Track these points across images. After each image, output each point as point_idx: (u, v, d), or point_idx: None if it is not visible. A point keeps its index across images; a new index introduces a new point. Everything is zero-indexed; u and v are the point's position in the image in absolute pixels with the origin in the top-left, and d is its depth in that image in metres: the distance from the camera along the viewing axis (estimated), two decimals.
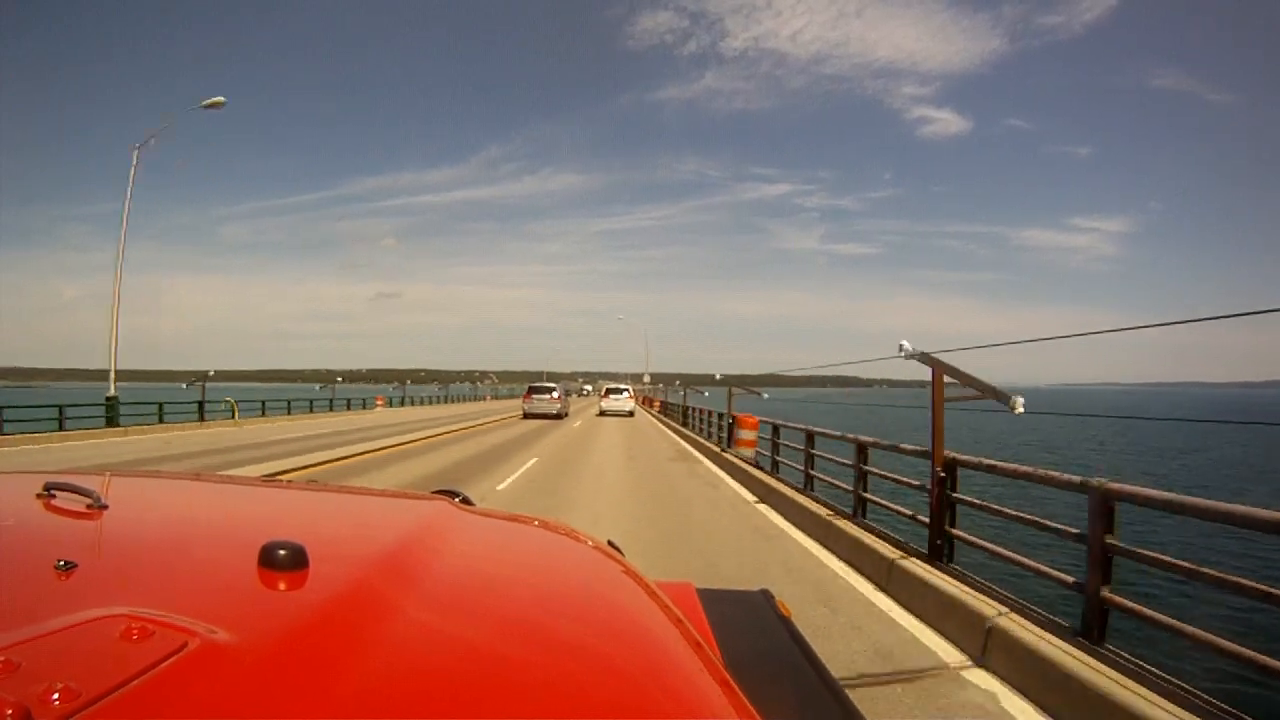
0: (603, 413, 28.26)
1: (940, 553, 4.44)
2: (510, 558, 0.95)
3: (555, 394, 25.78)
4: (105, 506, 0.82)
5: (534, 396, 25.52)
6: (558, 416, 24.92)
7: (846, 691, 0.79)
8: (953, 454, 4.53)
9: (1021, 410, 4.40)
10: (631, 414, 28.29)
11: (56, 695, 0.39)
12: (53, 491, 0.87)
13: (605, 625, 0.73)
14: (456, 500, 1.13)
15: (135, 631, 0.47)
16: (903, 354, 4.82)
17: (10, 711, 0.37)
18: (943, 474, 4.48)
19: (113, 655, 0.45)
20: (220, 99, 17.42)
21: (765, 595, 1.09)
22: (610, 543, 1.06)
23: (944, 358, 4.65)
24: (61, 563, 0.61)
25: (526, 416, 24.69)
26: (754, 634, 0.94)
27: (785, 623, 0.99)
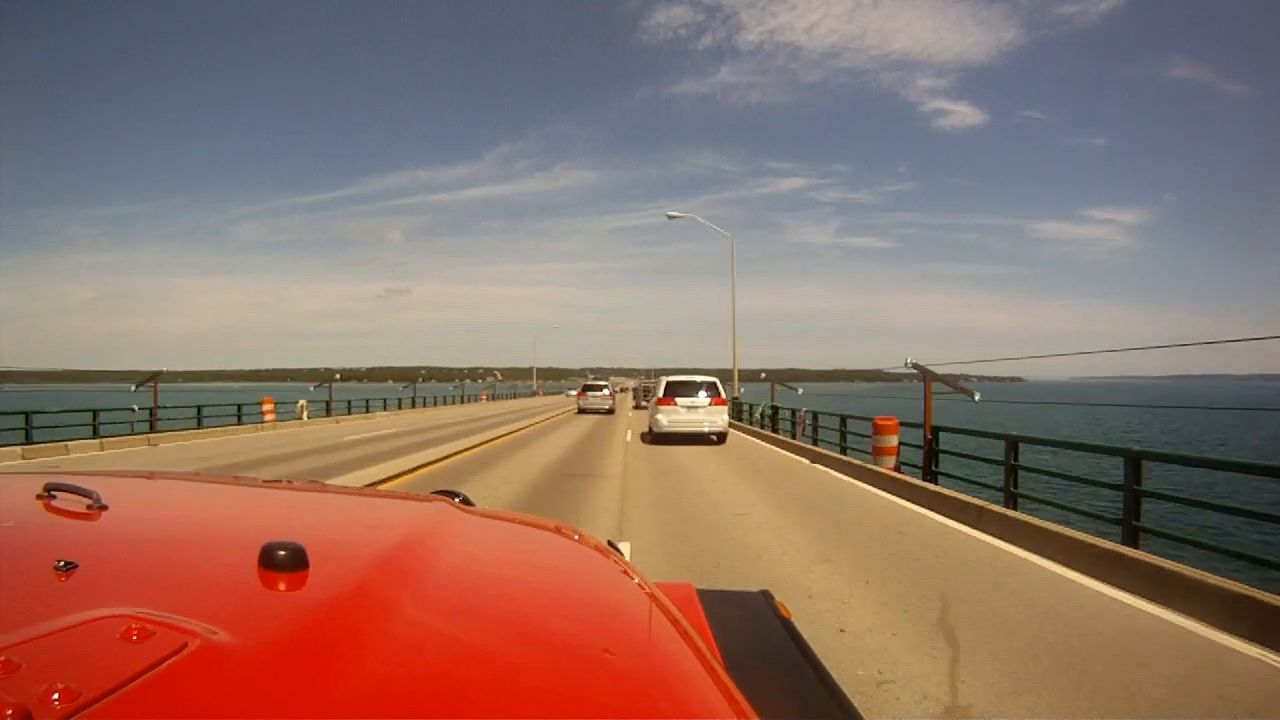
0: (655, 436, 14.11)
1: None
2: (510, 558, 0.95)
3: (606, 391, 29.12)
4: (105, 507, 0.82)
5: (588, 394, 29.01)
6: (609, 412, 27.50)
7: (845, 691, 0.79)
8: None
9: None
10: (721, 440, 13.94)
11: (57, 696, 0.39)
12: (53, 492, 0.87)
13: (605, 626, 0.73)
14: (456, 500, 1.13)
15: (135, 632, 0.47)
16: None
17: (10, 712, 0.37)
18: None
19: (113, 655, 0.45)
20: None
21: (765, 596, 1.09)
22: (610, 543, 1.06)
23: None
24: (61, 563, 0.61)
25: (581, 412, 27.70)
26: (754, 634, 0.94)
27: (785, 623, 0.99)
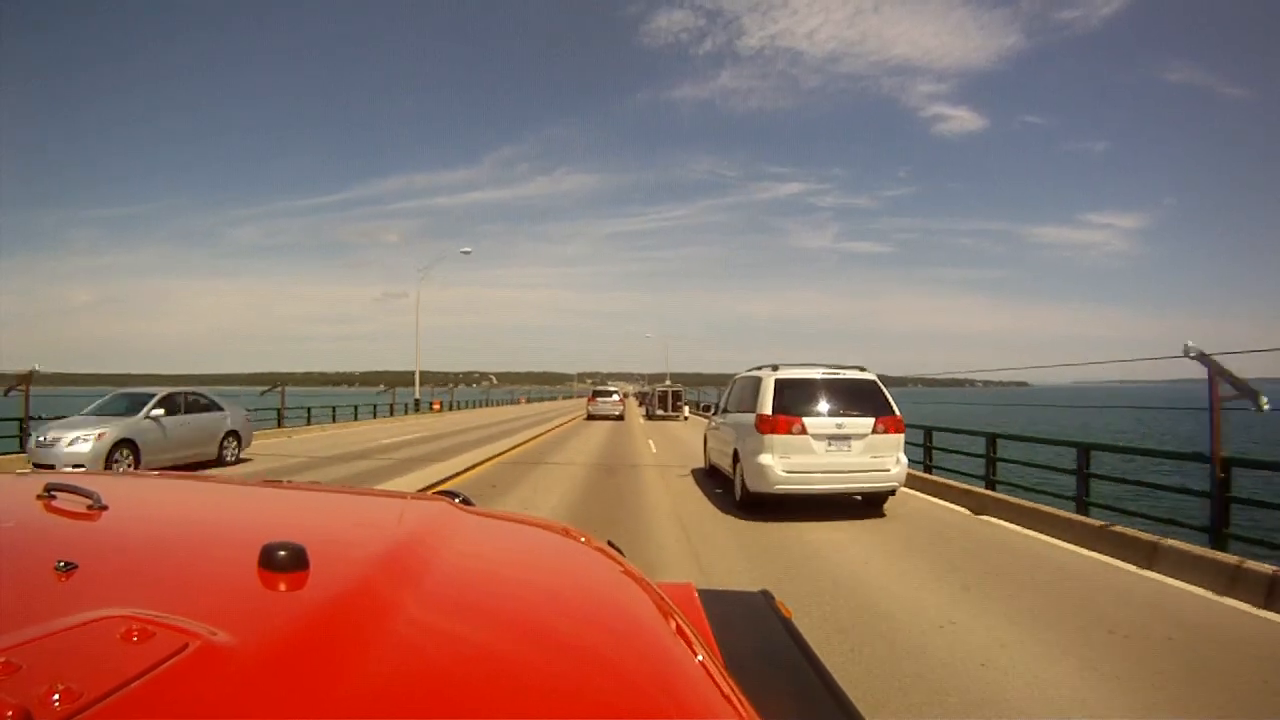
0: (754, 496, 6.55)
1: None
2: (511, 558, 0.95)
3: (616, 397, 28.37)
4: (105, 507, 0.83)
5: (598, 400, 28.20)
6: (619, 418, 26.73)
7: (845, 691, 0.79)
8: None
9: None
10: (877, 502, 7.00)
11: (57, 696, 0.39)
12: (53, 492, 0.87)
13: (606, 625, 0.73)
14: (457, 500, 1.13)
15: (136, 632, 0.47)
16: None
17: (11, 713, 0.37)
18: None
19: (113, 656, 0.45)
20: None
21: (765, 595, 1.09)
22: (610, 543, 1.06)
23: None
24: (62, 564, 0.61)
25: (590, 418, 26.65)
26: (754, 634, 0.94)
27: (785, 623, 0.99)
